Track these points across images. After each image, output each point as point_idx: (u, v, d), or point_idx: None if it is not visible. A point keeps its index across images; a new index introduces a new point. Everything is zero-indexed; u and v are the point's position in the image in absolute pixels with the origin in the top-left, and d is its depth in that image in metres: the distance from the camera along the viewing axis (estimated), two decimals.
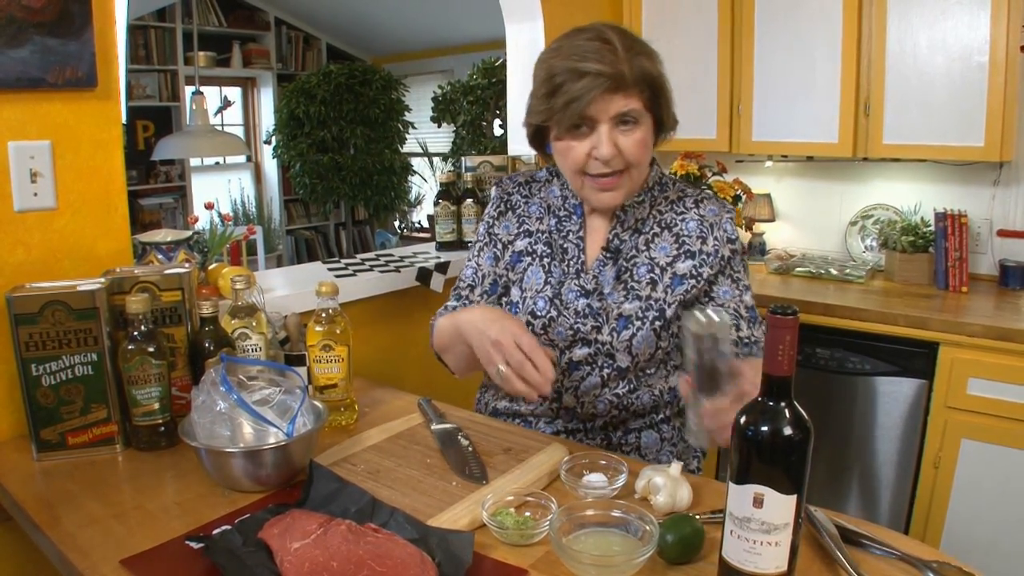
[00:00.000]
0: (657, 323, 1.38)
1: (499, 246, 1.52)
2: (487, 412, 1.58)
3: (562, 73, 1.27)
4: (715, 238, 1.40)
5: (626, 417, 1.46)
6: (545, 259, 1.46)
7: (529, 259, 1.48)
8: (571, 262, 1.44)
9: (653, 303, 1.39)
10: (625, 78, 1.25)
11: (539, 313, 1.43)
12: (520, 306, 1.46)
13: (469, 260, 1.56)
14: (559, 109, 1.28)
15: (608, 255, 1.42)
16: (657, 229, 1.43)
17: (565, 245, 1.46)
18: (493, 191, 1.56)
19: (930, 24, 2.48)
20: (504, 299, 1.51)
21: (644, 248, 1.42)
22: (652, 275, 1.40)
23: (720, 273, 1.40)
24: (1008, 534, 2.21)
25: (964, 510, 2.28)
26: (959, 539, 2.28)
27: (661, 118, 1.35)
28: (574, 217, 1.46)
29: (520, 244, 1.49)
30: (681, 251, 1.40)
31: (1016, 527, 2.19)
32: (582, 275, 1.43)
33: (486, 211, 1.56)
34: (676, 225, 1.42)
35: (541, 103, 1.32)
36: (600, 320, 1.39)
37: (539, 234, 1.48)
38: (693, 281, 1.39)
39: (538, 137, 1.41)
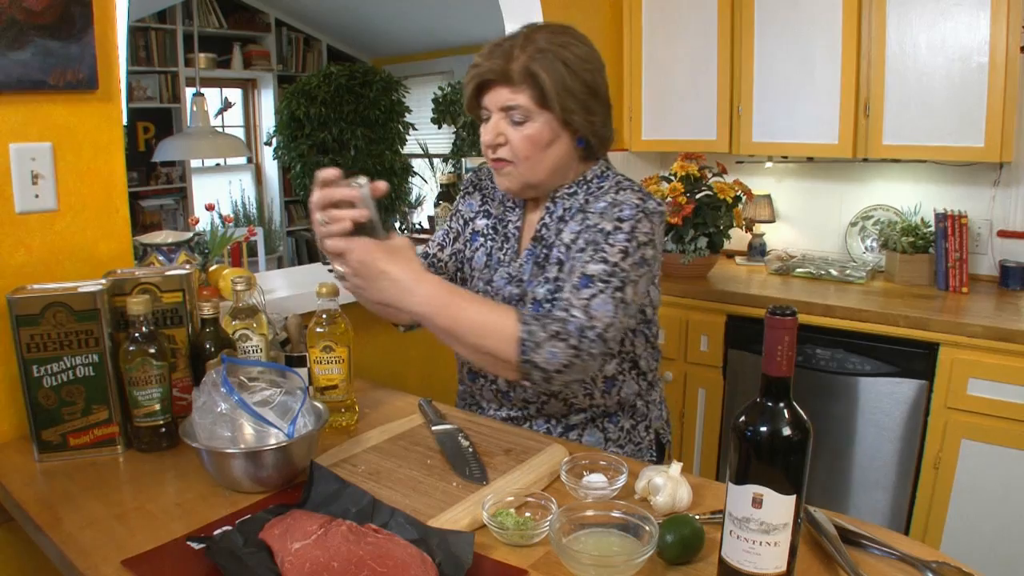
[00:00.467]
0: None
1: (461, 221, 1.59)
2: (461, 398, 1.62)
3: (472, 64, 1.39)
4: (610, 215, 1.34)
5: (563, 410, 1.46)
6: (490, 242, 1.52)
7: (482, 240, 1.54)
8: (508, 250, 1.49)
9: (561, 284, 1.38)
10: (508, 74, 1.33)
11: None
12: (468, 284, 1.54)
13: (443, 223, 1.63)
14: (465, 93, 1.42)
15: (535, 244, 1.45)
16: (576, 214, 1.42)
17: (507, 233, 1.51)
18: (469, 174, 1.64)
19: (930, 25, 2.48)
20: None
21: (559, 233, 1.43)
22: (559, 255, 1.40)
23: (591, 242, 1.33)
24: (1009, 534, 2.21)
25: (964, 511, 2.28)
26: (960, 540, 2.28)
27: (567, 121, 1.35)
28: (517, 209, 1.51)
29: (480, 223, 1.55)
30: (582, 227, 1.38)
31: (1017, 527, 2.19)
32: (513, 263, 1.47)
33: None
34: (590, 206, 1.40)
35: None
36: (521, 305, 1.42)
37: (494, 219, 1.54)
38: (581, 254, 1.35)
39: None
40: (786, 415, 0.84)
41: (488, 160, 1.43)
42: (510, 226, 1.51)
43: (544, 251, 1.43)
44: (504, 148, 1.37)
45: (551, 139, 1.36)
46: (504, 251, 1.50)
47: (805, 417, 0.85)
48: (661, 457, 1.58)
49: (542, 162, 1.38)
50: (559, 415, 1.48)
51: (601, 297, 1.25)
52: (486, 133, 1.38)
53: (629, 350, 1.47)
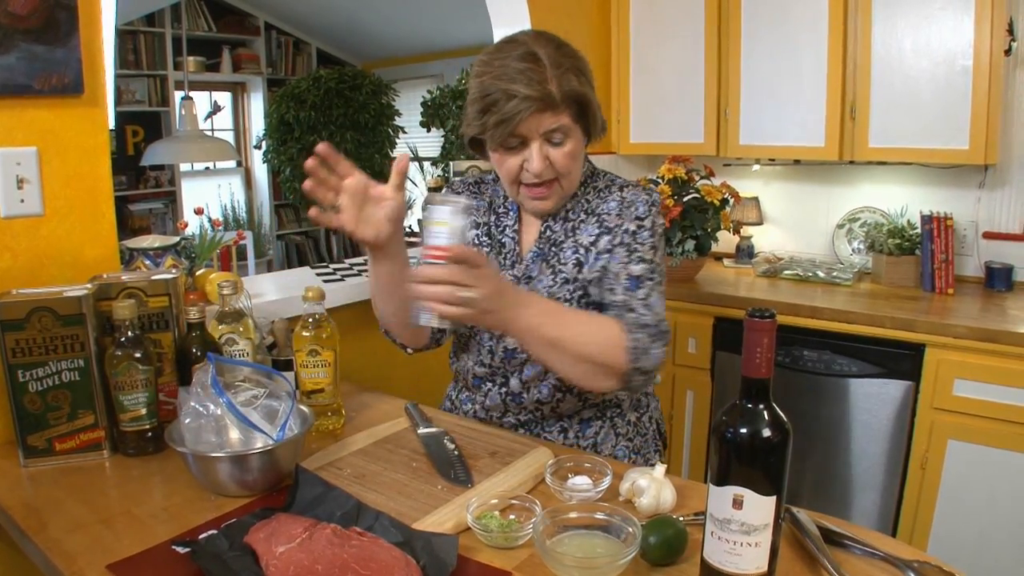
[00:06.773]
0: (583, 301, 1.40)
1: None
2: (459, 411, 1.60)
3: (494, 92, 1.29)
4: (628, 214, 1.39)
5: (577, 407, 1.48)
6: (485, 250, 1.51)
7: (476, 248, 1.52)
8: (508, 255, 1.49)
9: (579, 282, 1.41)
10: (553, 98, 1.28)
11: None
12: None
13: None
14: (491, 127, 1.31)
15: (540, 245, 1.45)
16: (584, 216, 1.44)
17: (503, 239, 1.50)
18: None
19: (915, 28, 2.50)
20: None
21: (571, 234, 1.44)
22: (577, 255, 1.41)
23: (620, 244, 1.38)
24: (995, 534, 2.22)
25: (951, 510, 2.29)
26: (946, 539, 2.29)
27: (589, 128, 1.39)
28: (511, 213, 1.51)
29: (469, 233, 1.53)
30: (601, 228, 1.41)
31: (1003, 527, 2.21)
32: (517, 265, 1.47)
33: None
34: (599, 207, 1.43)
35: (475, 118, 1.34)
36: None
37: (483, 227, 1.53)
38: (608, 255, 1.39)
39: (476, 144, 1.44)
40: (765, 416, 0.85)
41: (524, 185, 1.39)
42: (507, 231, 1.50)
43: (554, 249, 1.44)
44: (548, 170, 1.35)
45: (580, 150, 1.39)
46: (504, 256, 1.49)
47: (784, 418, 0.85)
48: (665, 445, 1.62)
49: (576, 173, 1.41)
50: (573, 412, 1.49)
51: (654, 295, 1.34)
52: (534, 162, 1.33)
53: None
